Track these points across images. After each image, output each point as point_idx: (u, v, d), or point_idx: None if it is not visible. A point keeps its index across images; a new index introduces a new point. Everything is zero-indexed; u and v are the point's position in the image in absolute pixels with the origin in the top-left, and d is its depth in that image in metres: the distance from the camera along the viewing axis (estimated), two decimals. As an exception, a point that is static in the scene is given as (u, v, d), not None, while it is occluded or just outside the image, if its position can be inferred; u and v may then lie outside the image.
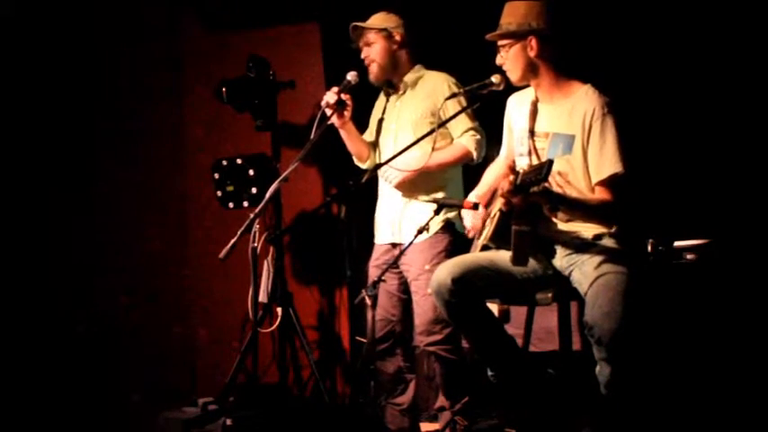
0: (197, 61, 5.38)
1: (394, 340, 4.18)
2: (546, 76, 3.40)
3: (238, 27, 5.24)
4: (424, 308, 3.98)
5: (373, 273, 4.13)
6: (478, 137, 3.99)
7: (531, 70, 3.40)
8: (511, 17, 3.38)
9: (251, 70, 4.72)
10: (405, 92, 4.16)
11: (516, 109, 3.55)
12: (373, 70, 4.13)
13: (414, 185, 4.02)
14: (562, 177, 3.35)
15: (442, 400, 4.08)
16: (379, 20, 4.14)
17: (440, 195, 4.00)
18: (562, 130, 3.37)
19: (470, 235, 3.69)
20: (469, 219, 3.63)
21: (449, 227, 4.02)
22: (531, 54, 3.36)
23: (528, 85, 3.48)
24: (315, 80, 5.04)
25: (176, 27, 5.42)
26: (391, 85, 4.20)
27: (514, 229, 3.18)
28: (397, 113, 4.15)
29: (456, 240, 4.01)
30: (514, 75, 3.42)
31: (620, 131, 3.28)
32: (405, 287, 4.15)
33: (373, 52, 4.12)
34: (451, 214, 4.02)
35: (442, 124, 3.82)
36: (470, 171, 4.06)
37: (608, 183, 3.27)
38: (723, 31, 4.04)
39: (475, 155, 4.00)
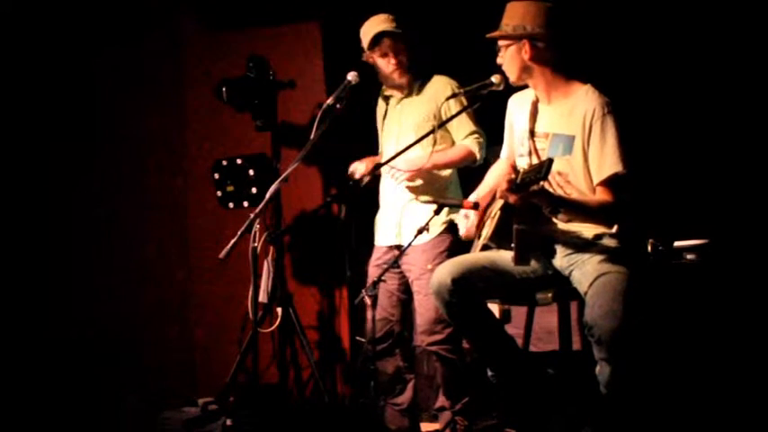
0: (197, 61, 5.38)
1: (393, 340, 4.18)
2: (541, 77, 3.40)
3: (238, 26, 5.23)
4: (425, 307, 3.99)
5: (373, 273, 4.14)
6: (481, 140, 4.04)
7: (526, 72, 3.40)
8: (509, 18, 3.39)
9: (251, 70, 4.72)
10: (407, 95, 4.15)
11: (517, 109, 3.55)
12: (402, 76, 4.09)
13: (419, 186, 4.04)
14: (562, 177, 3.35)
15: (442, 400, 4.08)
16: (390, 23, 4.09)
17: (440, 194, 4.01)
18: (562, 131, 3.36)
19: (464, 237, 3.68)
20: (463, 225, 3.62)
21: (451, 227, 4.02)
22: (525, 57, 3.36)
23: (528, 85, 3.48)
24: (315, 80, 5.04)
25: (176, 26, 5.42)
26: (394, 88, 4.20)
27: (516, 228, 3.18)
28: (399, 116, 4.16)
29: (458, 241, 4.01)
30: (511, 75, 3.44)
31: (620, 132, 3.27)
32: (405, 287, 4.16)
33: (403, 59, 4.07)
34: (454, 215, 4.02)
35: (443, 123, 3.84)
36: (471, 171, 4.06)
37: (608, 183, 3.27)
38: (721, 32, 4.04)
39: (478, 156, 4.04)
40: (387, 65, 4.08)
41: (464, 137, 4.03)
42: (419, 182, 4.04)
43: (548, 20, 3.34)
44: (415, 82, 4.13)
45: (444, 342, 3.99)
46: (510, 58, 3.40)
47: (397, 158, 3.78)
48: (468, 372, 4.03)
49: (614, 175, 3.26)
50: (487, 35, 3.42)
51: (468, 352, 4.03)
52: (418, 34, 4.13)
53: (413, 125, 4.07)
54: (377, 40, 4.04)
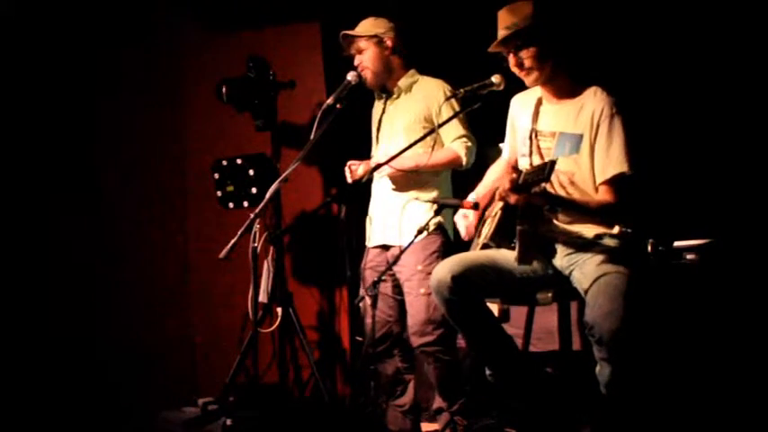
0: (197, 61, 5.38)
1: (391, 341, 4.17)
2: (554, 77, 3.37)
3: (238, 27, 5.24)
4: (416, 309, 3.97)
5: (367, 275, 4.13)
6: (469, 144, 3.98)
7: (551, 70, 3.34)
8: (515, 18, 3.33)
9: (251, 70, 4.72)
10: (399, 96, 4.15)
11: (520, 109, 3.54)
12: (367, 77, 4.12)
13: (406, 185, 4.03)
14: (567, 177, 3.34)
15: (439, 401, 4.06)
16: (368, 26, 4.12)
17: (435, 195, 4.00)
18: (569, 130, 3.35)
19: (466, 239, 3.66)
20: (463, 225, 3.60)
21: (441, 228, 4.01)
22: (548, 55, 3.32)
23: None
24: (315, 80, 5.04)
25: (176, 27, 5.42)
26: (385, 90, 4.19)
27: (519, 228, 3.18)
28: (391, 117, 4.15)
29: (448, 241, 4.00)
30: (532, 76, 3.35)
31: (627, 132, 3.27)
32: (399, 289, 4.13)
33: (365, 59, 4.10)
34: (440, 218, 3.99)
35: (441, 125, 3.82)
36: (471, 171, 4.05)
37: (612, 183, 3.26)
38: (722, 32, 4.04)
39: (464, 161, 3.98)
40: (359, 66, 4.09)
41: (452, 140, 3.99)
42: (407, 183, 4.02)
43: (557, 19, 3.33)
44: (402, 83, 4.12)
45: (436, 343, 3.96)
46: (534, 57, 3.31)
47: (390, 161, 3.77)
48: (463, 372, 4.01)
49: (620, 174, 3.25)
50: (510, 38, 3.32)
51: (463, 352, 4.02)
52: (399, 43, 4.11)
53: (403, 126, 4.06)
54: (345, 39, 4.08)
